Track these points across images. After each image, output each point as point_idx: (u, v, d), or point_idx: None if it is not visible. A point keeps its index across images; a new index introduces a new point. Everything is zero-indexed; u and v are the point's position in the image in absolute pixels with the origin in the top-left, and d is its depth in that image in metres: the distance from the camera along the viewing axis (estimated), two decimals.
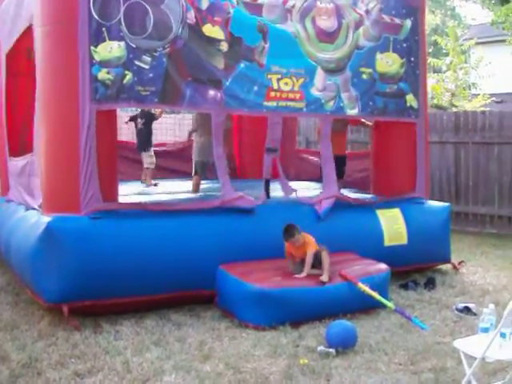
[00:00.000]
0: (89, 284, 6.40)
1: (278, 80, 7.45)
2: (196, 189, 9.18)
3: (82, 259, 6.38)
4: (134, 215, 6.85)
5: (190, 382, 5.00)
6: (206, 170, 9.33)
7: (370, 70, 8.10)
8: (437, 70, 21.56)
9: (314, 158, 10.68)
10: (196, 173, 9.29)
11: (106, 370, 5.22)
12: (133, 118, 11.02)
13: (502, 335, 4.36)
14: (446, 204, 9.21)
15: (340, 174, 9.12)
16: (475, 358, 4.32)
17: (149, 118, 10.53)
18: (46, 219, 6.48)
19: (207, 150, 8.90)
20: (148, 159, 10.57)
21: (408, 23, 8.45)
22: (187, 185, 9.53)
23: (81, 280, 6.37)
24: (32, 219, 6.88)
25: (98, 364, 5.35)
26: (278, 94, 7.48)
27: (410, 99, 8.49)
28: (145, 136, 10.63)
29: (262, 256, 7.08)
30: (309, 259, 6.82)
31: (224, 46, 7.17)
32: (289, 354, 5.57)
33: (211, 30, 7.12)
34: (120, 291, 6.54)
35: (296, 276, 6.73)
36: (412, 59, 8.48)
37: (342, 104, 7.93)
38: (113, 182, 7.03)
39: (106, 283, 6.47)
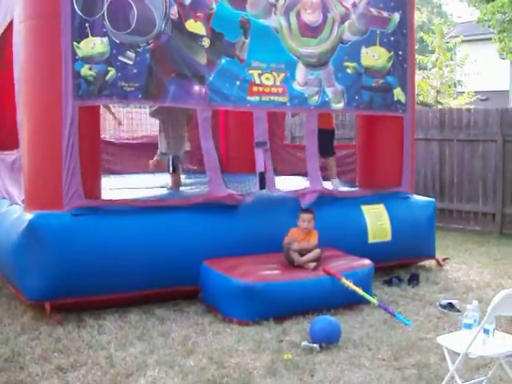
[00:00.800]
0: (71, 281, 6.36)
1: (259, 75, 7.44)
2: (178, 185, 9.11)
3: (65, 256, 6.33)
4: (117, 212, 6.80)
5: (174, 377, 4.98)
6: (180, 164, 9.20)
7: (354, 64, 8.09)
8: (422, 67, 21.64)
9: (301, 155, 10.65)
10: (174, 170, 9.14)
11: (89, 365, 5.20)
12: None
13: (486, 331, 4.37)
14: (431, 199, 9.25)
15: (329, 149, 9.10)
16: (458, 354, 4.32)
17: None
18: (28, 216, 6.42)
19: (179, 145, 8.91)
20: None
21: (396, 16, 8.43)
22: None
23: (63, 277, 6.33)
24: (14, 215, 6.80)
25: (81, 358, 5.33)
26: (261, 89, 7.47)
27: (398, 93, 8.49)
28: None
29: (246, 251, 7.07)
30: (312, 248, 6.92)
31: (206, 42, 7.15)
32: (273, 349, 5.57)
33: (194, 26, 7.09)
34: (103, 288, 6.51)
35: (309, 265, 6.77)
36: (400, 53, 8.48)
37: (326, 98, 7.93)
38: (96, 179, 6.98)
39: (88, 280, 6.43)
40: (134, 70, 6.77)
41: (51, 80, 6.51)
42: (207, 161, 7.23)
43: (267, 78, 7.49)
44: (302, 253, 6.92)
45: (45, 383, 4.85)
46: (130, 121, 13.31)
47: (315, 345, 5.57)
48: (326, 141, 8.42)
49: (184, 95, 7.08)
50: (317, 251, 6.92)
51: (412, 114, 8.83)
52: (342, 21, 7.99)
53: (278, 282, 6.47)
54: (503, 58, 21.00)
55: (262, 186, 7.64)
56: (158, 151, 9.00)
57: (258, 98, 7.47)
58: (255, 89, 7.44)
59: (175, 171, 8.98)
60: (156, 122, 11.06)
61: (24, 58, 6.72)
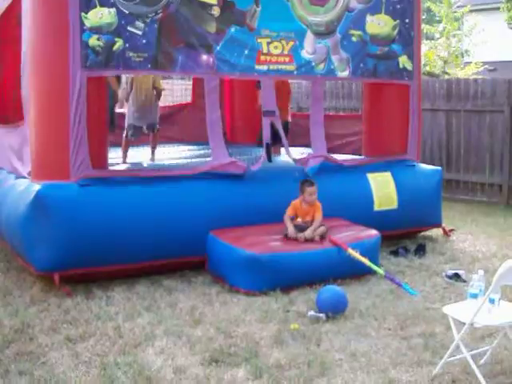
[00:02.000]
0: (79, 252, 6.40)
1: (268, 44, 7.44)
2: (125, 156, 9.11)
3: (72, 227, 6.37)
4: (124, 182, 6.83)
5: (181, 347, 5.03)
6: (141, 133, 9.30)
7: (359, 33, 8.05)
8: (430, 37, 21.48)
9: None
10: (131, 136, 9.17)
11: (97, 335, 5.25)
12: None
13: (491, 301, 4.40)
14: (438, 167, 9.24)
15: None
16: (464, 324, 4.35)
17: None
18: (36, 187, 6.44)
19: (146, 115, 9.06)
20: None
21: None
22: (176, 150, 9.49)
23: (71, 248, 6.37)
24: (21, 187, 6.83)
25: (89, 329, 5.38)
26: (269, 58, 7.46)
27: (404, 61, 8.44)
28: None
29: (252, 221, 7.10)
30: (317, 223, 6.92)
31: (216, 11, 7.13)
32: (279, 319, 5.61)
33: None
34: (111, 259, 6.55)
35: (299, 235, 6.76)
36: (406, 21, 8.41)
37: (332, 66, 7.91)
38: (102, 149, 7.01)
39: (96, 251, 6.46)
40: (143, 41, 6.76)
41: (59, 50, 6.49)
42: (211, 131, 7.23)
43: (275, 47, 7.48)
44: (306, 224, 6.94)
45: (54, 354, 4.91)
46: None
47: (321, 315, 5.60)
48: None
49: (192, 64, 7.09)
50: (322, 229, 6.93)
51: (418, 82, 8.79)
52: None
53: (284, 253, 6.51)
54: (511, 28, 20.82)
55: (269, 157, 7.64)
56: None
57: (265, 67, 7.47)
58: (263, 58, 7.44)
59: (127, 137, 9.07)
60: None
61: (32, 30, 6.71)
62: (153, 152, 9.51)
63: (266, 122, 7.60)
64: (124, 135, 9.12)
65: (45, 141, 6.67)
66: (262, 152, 7.69)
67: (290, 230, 6.86)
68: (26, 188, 6.66)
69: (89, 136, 6.56)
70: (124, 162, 8.83)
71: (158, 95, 9.32)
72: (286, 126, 9.32)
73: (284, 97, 9.44)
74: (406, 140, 8.72)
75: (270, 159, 7.68)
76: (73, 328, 5.41)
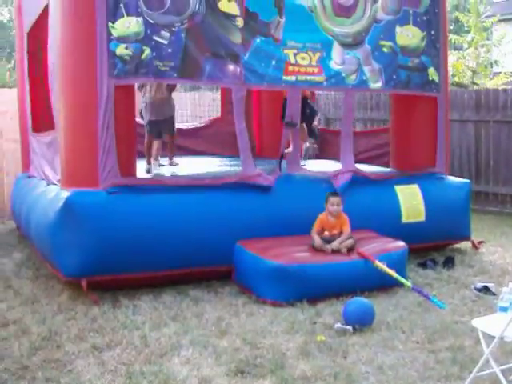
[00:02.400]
0: (107, 258, 6.45)
1: (295, 55, 7.44)
2: (156, 153, 9.11)
3: (100, 233, 6.43)
4: (152, 190, 6.88)
5: (207, 357, 5.02)
6: (161, 130, 9.27)
7: (390, 44, 8.03)
8: (458, 48, 21.33)
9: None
10: (151, 132, 9.16)
11: (124, 344, 5.27)
12: None
13: None
14: (466, 180, 9.17)
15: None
16: (493, 338, 4.29)
17: None
18: (65, 194, 6.54)
19: (160, 108, 9.02)
20: None
21: None
22: (205, 161, 9.52)
23: (99, 254, 6.42)
24: (51, 194, 6.92)
25: (116, 338, 5.40)
26: (297, 69, 7.47)
27: (432, 73, 8.41)
28: None
29: (279, 233, 7.10)
30: (345, 235, 6.91)
31: (240, 22, 7.17)
32: (306, 330, 5.59)
33: (227, 6, 7.13)
34: (138, 266, 6.60)
35: (326, 246, 6.75)
36: (432, 32, 8.39)
37: (364, 77, 7.90)
38: (131, 157, 7.06)
39: (124, 258, 6.52)
40: (169, 50, 6.82)
41: (87, 60, 6.58)
42: (240, 141, 7.25)
43: (303, 58, 7.48)
44: (333, 237, 6.92)
45: (81, 362, 4.93)
46: None
47: (348, 327, 5.57)
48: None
49: (219, 74, 7.12)
50: (350, 241, 6.89)
51: (446, 94, 8.75)
52: (375, 0, 7.93)
53: (311, 264, 6.48)
54: None
55: (280, 167, 7.64)
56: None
57: (293, 78, 7.47)
58: (291, 69, 7.44)
59: (151, 134, 9.07)
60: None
61: (60, 40, 6.80)
62: (170, 157, 9.57)
63: (285, 133, 7.60)
64: (146, 133, 9.17)
65: (74, 149, 6.75)
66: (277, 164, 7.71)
67: (317, 240, 6.84)
68: (56, 195, 6.75)
69: (117, 144, 6.63)
70: (149, 163, 8.85)
71: (170, 90, 9.34)
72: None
73: None
74: (435, 153, 8.66)
75: (280, 169, 7.67)
76: (99, 336, 5.44)
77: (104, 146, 6.58)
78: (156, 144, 9.20)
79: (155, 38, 6.76)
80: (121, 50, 6.62)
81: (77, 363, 4.90)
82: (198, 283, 6.89)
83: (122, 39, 6.62)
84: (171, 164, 9.46)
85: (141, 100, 9.25)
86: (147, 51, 6.72)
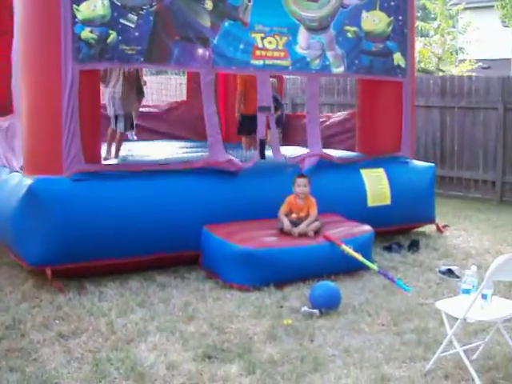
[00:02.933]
0: (72, 246, 6.37)
1: (262, 39, 7.42)
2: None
3: (65, 221, 6.35)
4: (117, 176, 6.80)
5: (174, 343, 5.02)
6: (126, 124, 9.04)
7: (354, 29, 8.04)
8: (424, 34, 21.47)
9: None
10: (125, 128, 8.98)
11: (90, 331, 5.23)
12: None
13: (484, 296, 4.40)
14: (431, 164, 9.26)
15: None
16: (457, 319, 4.35)
17: None
18: (28, 181, 6.42)
19: (130, 102, 8.92)
20: None
21: None
22: (170, 145, 9.48)
23: (64, 242, 6.35)
24: (14, 181, 6.80)
25: (82, 325, 5.36)
26: (264, 53, 7.44)
27: (398, 58, 8.44)
28: None
29: (246, 217, 7.09)
30: (311, 218, 6.93)
31: (209, 5, 7.10)
32: (273, 314, 5.61)
33: None
34: (103, 253, 6.52)
35: (292, 230, 6.76)
36: (400, 18, 8.41)
37: (327, 62, 7.91)
38: (96, 143, 6.98)
39: (89, 245, 6.45)
40: (136, 33, 6.72)
41: (51, 44, 6.44)
42: (209, 126, 7.21)
43: (270, 42, 7.46)
44: (300, 220, 6.94)
45: (46, 350, 4.89)
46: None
47: (315, 310, 5.60)
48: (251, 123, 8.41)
49: (187, 58, 7.05)
50: (316, 224, 6.92)
51: (412, 80, 8.80)
52: None
53: (278, 248, 6.50)
54: (506, 26, 20.82)
55: (263, 155, 7.63)
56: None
57: (261, 62, 7.45)
58: (258, 53, 7.42)
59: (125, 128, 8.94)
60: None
61: (23, 23, 6.66)
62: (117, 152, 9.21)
63: (260, 118, 7.59)
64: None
65: (37, 135, 6.63)
66: (255, 150, 7.70)
67: (286, 223, 6.85)
68: (19, 182, 6.63)
69: (82, 130, 6.53)
70: (108, 154, 8.72)
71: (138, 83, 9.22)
72: None
73: None
74: (400, 137, 8.72)
75: (263, 156, 7.66)
76: (65, 324, 5.39)
77: (68, 132, 6.46)
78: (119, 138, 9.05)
79: (122, 21, 6.65)
80: (86, 33, 6.50)
81: (42, 352, 4.86)
82: (165, 269, 6.86)
83: (87, 22, 6.49)
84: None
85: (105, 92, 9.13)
86: (113, 35, 6.62)
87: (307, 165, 7.72)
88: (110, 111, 8.93)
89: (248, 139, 9.76)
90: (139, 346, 4.97)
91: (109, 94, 8.94)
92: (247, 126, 9.48)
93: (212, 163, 7.19)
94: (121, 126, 8.89)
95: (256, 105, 7.67)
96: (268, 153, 7.74)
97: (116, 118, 8.92)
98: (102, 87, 8.69)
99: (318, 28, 7.80)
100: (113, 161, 8.54)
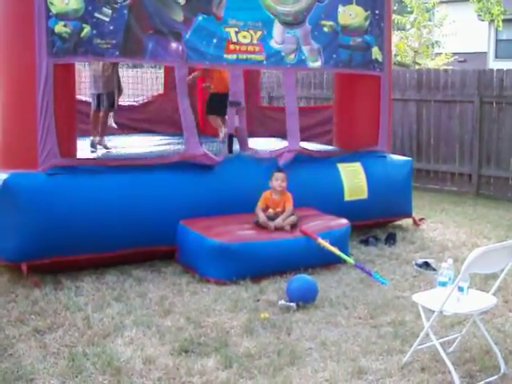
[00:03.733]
0: (48, 242, 6.32)
1: (236, 33, 7.40)
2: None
3: (40, 216, 6.30)
4: (93, 171, 6.75)
5: (151, 337, 5.00)
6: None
7: (331, 23, 8.04)
8: (401, 28, 21.54)
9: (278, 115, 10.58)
10: (106, 106, 9.02)
11: (66, 326, 5.20)
12: None
13: (460, 289, 4.42)
14: (408, 158, 9.30)
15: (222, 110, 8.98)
16: (433, 312, 4.37)
17: None
18: (3, 175, 6.34)
19: (110, 80, 8.94)
20: None
21: None
22: (147, 139, 9.47)
23: (39, 238, 6.30)
24: None
25: (58, 320, 5.33)
26: (238, 47, 7.42)
27: (376, 52, 8.46)
28: None
29: (222, 212, 7.07)
30: (287, 212, 6.93)
31: None
32: (250, 308, 5.61)
33: None
34: (80, 248, 6.49)
35: (269, 224, 6.75)
36: (377, 12, 8.42)
37: (303, 57, 7.90)
38: (71, 138, 6.91)
39: (65, 240, 6.40)
40: (111, 27, 6.67)
41: (25, 37, 6.38)
42: (184, 120, 7.18)
43: (244, 37, 7.44)
44: (277, 215, 6.94)
45: (22, 345, 4.85)
46: None
47: (292, 304, 5.61)
48: (222, 102, 8.50)
49: (162, 52, 7.03)
50: (293, 218, 6.92)
51: (389, 73, 8.82)
52: None
53: (254, 242, 6.50)
54: (481, 20, 20.93)
55: (230, 149, 7.61)
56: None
57: (234, 57, 7.43)
58: (232, 47, 7.39)
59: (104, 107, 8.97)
60: None
61: None
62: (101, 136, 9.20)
63: (231, 113, 7.58)
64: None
65: (11, 129, 6.57)
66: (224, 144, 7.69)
67: (262, 217, 6.85)
68: None
69: (57, 124, 6.47)
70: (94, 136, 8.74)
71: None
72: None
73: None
74: (377, 131, 8.75)
75: (231, 150, 7.64)
76: (41, 319, 5.35)
77: (43, 126, 6.41)
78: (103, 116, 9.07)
79: (96, 14, 6.60)
80: (59, 27, 6.44)
81: (18, 347, 4.82)
82: (142, 263, 6.83)
83: (60, 16, 6.43)
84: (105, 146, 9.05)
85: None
86: (87, 29, 6.56)
87: (284, 159, 7.72)
88: (93, 92, 8.98)
89: (220, 120, 9.74)
90: (116, 340, 4.95)
91: (90, 77, 9.02)
92: (218, 105, 9.39)
93: (188, 157, 7.16)
94: (104, 103, 8.93)
95: (225, 84, 7.70)
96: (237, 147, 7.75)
97: (99, 97, 8.93)
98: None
99: (293, 22, 7.79)
100: (100, 142, 8.63)
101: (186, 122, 7.20)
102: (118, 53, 6.78)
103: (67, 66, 6.72)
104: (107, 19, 6.65)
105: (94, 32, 6.60)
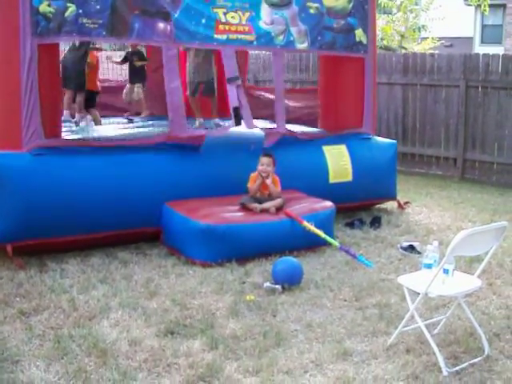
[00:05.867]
0: (32, 223, 6.29)
1: (225, 14, 7.35)
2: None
3: (25, 197, 6.26)
4: (78, 152, 6.71)
5: (137, 319, 5.00)
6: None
7: (316, 5, 8.02)
8: (387, 12, 21.49)
9: (267, 95, 10.55)
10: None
11: (51, 308, 5.19)
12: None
13: (445, 271, 4.44)
14: (393, 141, 9.31)
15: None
16: (418, 294, 4.39)
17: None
18: None
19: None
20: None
21: None
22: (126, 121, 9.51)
23: (24, 219, 6.26)
24: None
25: (43, 302, 5.31)
26: (227, 27, 7.38)
27: (360, 34, 8.45)
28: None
29: (208, 194, 7.07)
30: (276, 195, 6.96)
31: None
32: (235, 290, 5.61)
33: None
34: (65, 229, 6.46)
35: (255, 206, 6.75)
36: None
37: (291, 38, 7.88)
38: (56, 118, 6.88)
39: (50, 222, 6.36)
40: (97, 6, 6.60)
41: (9, 17, 6.31)
42: (170, 100, 7.14)
43: (232, 17, 7.40)
44: (263, 197, 6.94)
45: (7, 328, 4.83)
46: None
47: (277, 286, 5.62)
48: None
49: (149, 32, 6.96)
50: (279, 201, 6.92)
51: (373, 56, 8.81)
52: None
53: (240, 224, 6.49)
54: (468, 5, 20.95)
55: (238, 121, 7.57)
56: None
57: (225, 37, 7.38)
58: (222, 27, 7.35)
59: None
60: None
61: None
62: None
63: (230, 88, 7.54)
64: None
65: None
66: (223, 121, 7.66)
67: (254, 189, 6.88)
68: None
69: (41, 105, 6.42)
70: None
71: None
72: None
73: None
74: (362, 113, 8.75)
75: (239, 122, 7.59)
76: (26, 301, 5.33)
77: (27, 106, 6.34)
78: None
79: None
80: (44, 7, 6.36)
81: (3, 329, 4.80)
82: (127, 246, 6.82)
83: None
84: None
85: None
86: (72, 8, 6.48)
87: (270, 141, 7.70)
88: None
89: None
90: (101, 322, 4.94)
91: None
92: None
93: (173, 138, 7.13)
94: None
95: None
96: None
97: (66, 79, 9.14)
98: None
99: (280, 4, 7.76)
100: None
101: (173, 103, 7.15)
102: (104, 33, 6.71)
103: (52, 45, 6.66)
104: None
105: (80, 11, 6.52)
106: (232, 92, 7.52)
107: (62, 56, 8.94)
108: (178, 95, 7.20)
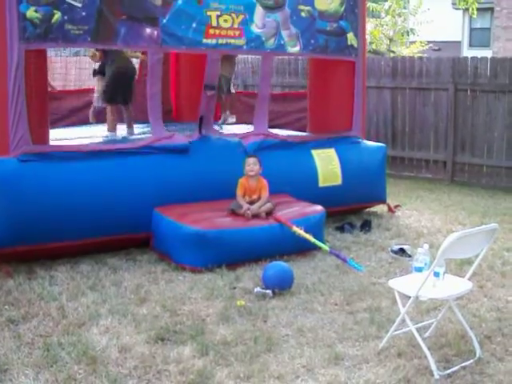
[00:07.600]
0: (20, 229, 6.24)
1: (218, 17, 7.33)
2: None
3: (12, 203, 6.22)
4: (66, 157, 6.66)
5: (127, 325, 4.96)
6: None
7: (308, 8, 8.02)
8: (375, 16, 21.54)
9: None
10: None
11: (40, 316, 5.15)
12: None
13: (436, 274, 4.43)
14: (382, 144, 9.33)
15: None
16: (409, 298, 4.38)
17: None
18: None
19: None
20: None
21: None
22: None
23: (11, 225, 6.22)
24: None
25: (32, 310, 5.27)
26: (218, 32, 7.36)
27: (351, 38, 8.47)
28: None
29: (197, 198, 7.04)
30: (263, 200, 6.91)
31: None
32: (225, 296, 5.59)
33: None
34: (53, 236, 6.40)
35: (245, 210, 6.73)
36: None
37: (282, 42, 7.88)
38: (43, 124, 6.83)
39: (37, 228, 6.32)
40: (83, 13, 6.57)
41: None
42: (151, 105, 7.14)
43: (225, 20, 7.38)
44: (253, 202, 6.93)
45: None
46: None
47: (268, 291, 5.60)
48: None
49: (135, 37, 6.94)
50: (268, 205, 6.90)
51: (363, 59, 8.83)
52: None
53: (229, 229, 6.47)
54: (456, 8, 21.02)
55: (200, 130, 7.59)
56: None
57: (214, 41, 7.36)
58: (212, 31, 7.33)
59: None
60: None
61: None
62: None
63: (204, 96, 7.54)
64: None
65: None
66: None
67: (244, 205, 6.81)
68: None
69: (29, 110, 6.38)
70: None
71: None
72: None
73: None
74: (351, 117, 8.75)
75: (200, 131, 7.61)
76: (15, 309, 5.29)
77: (14, 112, 6.30)
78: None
79: (68, 0, 6.50)
80: (31, 12, 6.32)
81: None
82: (117, 252, 6.78)
83: (31, 1, 6.30)
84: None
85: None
86: (57, 15, 6.44)
87: (251, 141, 7.70)
88: None
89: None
90: (91, 329, 4.91)
91: None
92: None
93: (157, 140, 7.15)
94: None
95: None
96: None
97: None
98: None
99: (274, 6, 7.76)
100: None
101: (153, 108, 7.17)
102: (89, 39, 6.68)
103: (39, 51, 6.63)
104: (79, 5, 6.54)
105: (66, 18, 6.50)
106: (204, 100, 7.53)
107: None
108: (158, 100, 7.21)
